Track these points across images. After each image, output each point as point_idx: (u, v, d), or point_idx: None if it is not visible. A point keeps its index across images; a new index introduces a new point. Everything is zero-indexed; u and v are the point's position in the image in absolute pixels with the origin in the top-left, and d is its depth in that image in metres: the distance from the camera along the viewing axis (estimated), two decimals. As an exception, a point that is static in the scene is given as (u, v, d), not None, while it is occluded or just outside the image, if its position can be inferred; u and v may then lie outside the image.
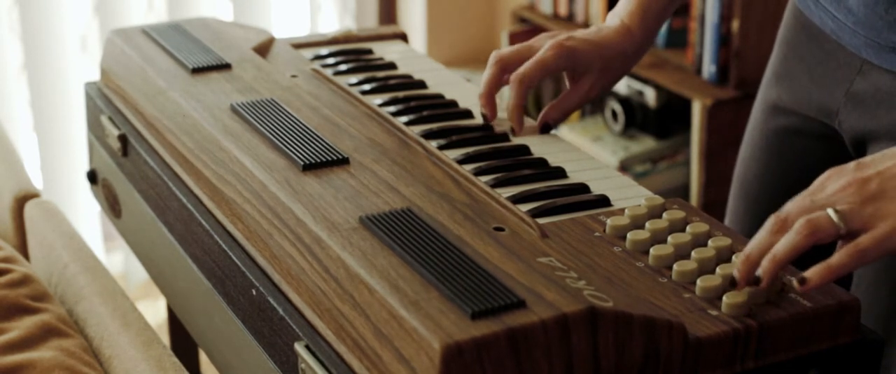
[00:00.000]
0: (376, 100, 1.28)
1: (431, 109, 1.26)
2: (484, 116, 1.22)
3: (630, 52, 1.24)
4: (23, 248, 1.46)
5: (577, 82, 1.24)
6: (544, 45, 1.21)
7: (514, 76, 1.20)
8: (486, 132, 1.21)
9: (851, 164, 0.92)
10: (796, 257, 0.89)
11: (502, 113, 1.24)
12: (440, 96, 1.31)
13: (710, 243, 0.97)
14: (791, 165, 1.27)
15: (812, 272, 0.88)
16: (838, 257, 0.88)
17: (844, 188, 0.90)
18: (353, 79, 1.35)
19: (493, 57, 1.22)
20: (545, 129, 1.23)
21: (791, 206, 0.92)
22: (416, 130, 1.20)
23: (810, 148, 1.24)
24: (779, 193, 1.21)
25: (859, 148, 1.17)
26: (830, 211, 0.89)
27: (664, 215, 1.01)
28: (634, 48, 1.24)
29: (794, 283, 0.89)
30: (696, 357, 0.87)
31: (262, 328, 1.02)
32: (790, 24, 1.26)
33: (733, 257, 0.94)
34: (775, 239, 0.90)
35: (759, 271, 0.89)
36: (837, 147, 1.20)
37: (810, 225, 0.88)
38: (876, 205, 0.89)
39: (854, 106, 1.16)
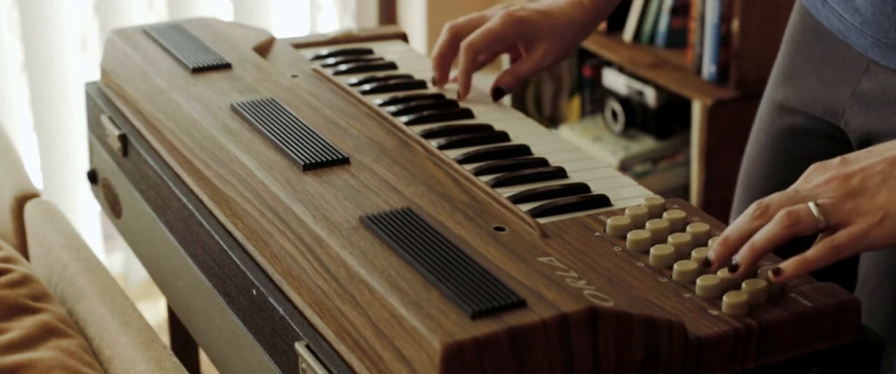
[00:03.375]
0: (376, 100, 1.28)
1: (431, 109, 1.26)
2: (433, 80, 1.31)
3: (581, 22, 1.28)
4: (23, 248, 1.46)
5: (530, 51, 1.29)
6: (495, 15, 1.27)
7: (463, 43, 1.27)
8: (485, 132, 1.21)
9: (836, 159, 0.93)
10: (775, 247, 0.90)
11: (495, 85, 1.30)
12: (440, 96, 1.31)
13: (710, 242, 0.97)
14: (797, 165, 1.26)
15: (787, 264, 0.89)
16: (814, 251, 0.89)
17: (827, 183, 0.91)
18: (354, 79, 1.35)
19: (446, 25, 1.30)
20: (497, 94, 1.30)
21: (775, 195, 0.93)
22: (416, 129, 1.20)
23: (816, 148, 1.24)
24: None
25: (865, 148, 1.17)
26: (812, 204, 0.90)
27: (664, 214, 1.01)
28: (585, 19, 1.28)
29: (769, 273, 0.90)
30: (696, 357, 0.87)
31: (262, 328, 1.02)
32: (797, 23, 1.26)
33: (709, 242, 0.95)
34: (755, 225, 0.91)
35: (737, 258, 0.90)
36: (844, 147, 1.20)
37: (791, 216, 0.89)
38: (855, 201, 0.90)
39: (860, 106, 1.16)
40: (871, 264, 1.15)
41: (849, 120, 1.18)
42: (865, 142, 1.16)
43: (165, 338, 1.78)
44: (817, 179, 0.92)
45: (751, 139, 1.34)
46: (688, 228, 0.99)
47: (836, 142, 1.21)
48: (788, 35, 1.28)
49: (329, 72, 1.37)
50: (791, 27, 1.28)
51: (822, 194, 0.91)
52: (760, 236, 0.90)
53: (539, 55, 1.28)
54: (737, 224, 0.92)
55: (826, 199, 0.90)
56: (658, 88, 2.49)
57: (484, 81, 1.33)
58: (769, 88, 1.31)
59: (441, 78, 1.30)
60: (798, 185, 0.93)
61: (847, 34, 1.15)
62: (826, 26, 1.19)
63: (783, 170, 1.28)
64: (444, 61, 1.29)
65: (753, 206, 0.92)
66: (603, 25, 2.61)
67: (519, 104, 2.83)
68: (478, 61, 1.29)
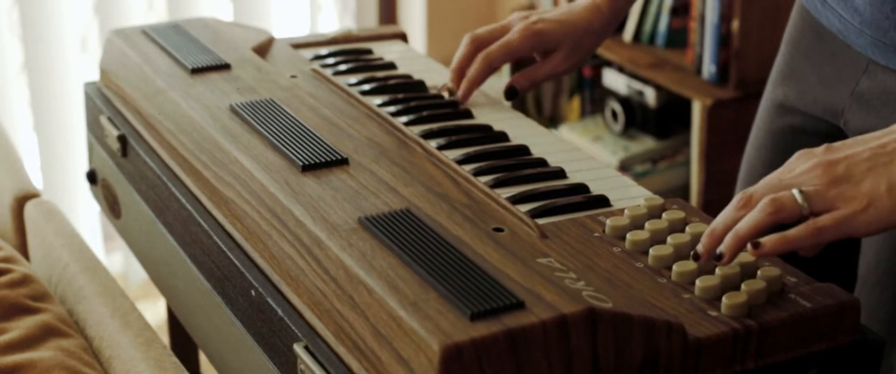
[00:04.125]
0: (376, 100, 1.28)
1: (431, 110, 1.26)
2: (450, 90, 1.30)
3: (598, 28, 1.29)
4: (23, 248, 1.46)
5: (547, 58, 1.30)
6: (514, 28, 1.27)
7: (481, 54, 1.27)
8: (485, 132, 1.21)
9: (821, 147, 0.93)
10: (759, 234, 0.90)
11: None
12: (440, 96, 1.31)
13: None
14: None
15: (767, 239, 0.90)
16: (797, 230, 0.89)
17: (811, 170, 0.91)
18: (353, 79, 1.35)
19: (467, 37, 1.29)
20: (510, 93, 1.29)
21: (759, 184, 0.93)
22: (415, 130, 1.19)
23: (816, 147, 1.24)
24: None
25: None
26: (795, 191, 0.90)
27: (664, 215, 1.01)
28: (602, 24, 1.29)
29: (748, 247, 0.90)
30: (695, 358, 0.87)
31: (261, 329, 1.02)
32: (797, 23, 1.26)
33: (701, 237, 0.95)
34: (740, 215, 0.92)
35: (722, 247, 0.90)
36: None
37: (775, 204, 0.89)
38: (840, 188, 0.90)
39: (860, 106, 1.16)
40: (870, 264, 1.15)
41: (848, 120, 1.18)
42: None
43: (165, 338, 1.78)
44: (801, 166, 0.92)
45: (750, 139, 1.34)
46: (687, 228, 0.99)
47: (835, 141, 1.21)
48: (788, 35, 1.28)
49: (328, 72, 1.37)
50: (791, 27, 1.28)
51: (807, 181, 0.91)
52: (744, 224, 0.90)
53: (556, 61, 1.28)
54: (722, 216, 0.92)
55: (810, 186, 0.90)
56: (658, 88, 2.49)
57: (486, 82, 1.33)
58: (769, 87, 1.31)
59: (458, 88, 1.29)
60: (781, 172, 0.93)
61: (846, 34, 1.15)
62: (826, 26, 1.19)
63: None
64: (463, 73, 1.29)
65: (738, 196, 0.92)
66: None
67: (519, 104, 2.83)
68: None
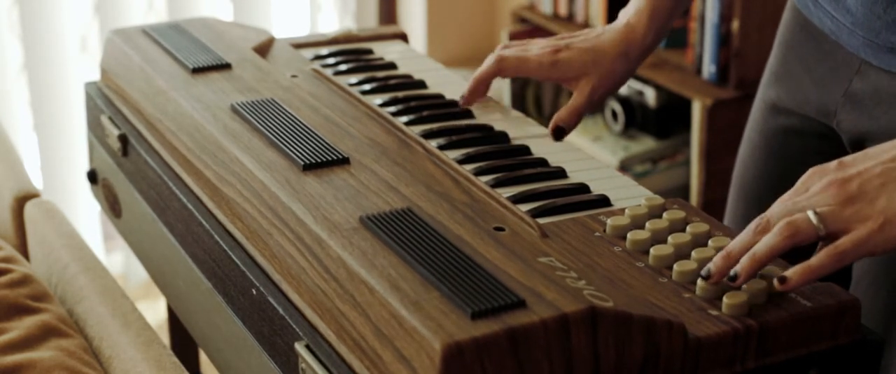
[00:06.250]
0: (376, 100, 1.28)
1: (431, 109, 1.26)
2: (461, 97, 1.27)
3: (633, 54, 1.24)
4: (23, 248, 1.46)
5: (577, 86, 1.25)
6: (538, 46, 1.24)
7: (496, 54, 1.24)
8: (485, 132, 1.21)
9: (833, 163, 0.93)
10: (775, 257, 0.90)
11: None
12: (440, 96, 1.31)
13: (710, 243, 0.97)
14: (790, 166, 1.27)
15: (792, 272, 0.89)
16: (818, 258, 0.89)
17: (825, 189, 0.91)
18: (354, 79, 1.35)
19: (498, 54, 1.25)
20: (559, 134, 1.23)
21: (774, 207, 0.93)
22: (416, 130, 1.20)
23: (809, 148, 1.24)
24: (778, 193, 1.21)
25: (858, 148, 1.17)
26: (810, 213, 0.90)
27: (664, 215, 1.01)
28: (638, 48, 1.24)
29: (775, 282, 0.89)
30: (696, 357, 0.87)
31: (262, 328, 1.02)
32: (789, 24, 1.26)
33: (710, 242, 0.95)
34: (757, 239, 0.91)
35: (738, 269, 0.90)
36: (836, 147, 1.20)
37: (791, 227, 0.89)
38: (855, 207, 0.89)
39: (852, 106, 1.16)
40: (864, 263, 1.15)
41: (841, 120, 1.18)
42: (857, 142, 1.16)
43: (165, 338, 1.78)
44: (815, 185, 0.92)
45: (744, 139, 1.34)
46: (688, 228, 0.99)
47: (829, 142, 1.21)
48: (780, 35, 1.28)
49: (329, 72, 1.37)
50: (783, 27, 1.28)
51: (821, 201, 0.90)
52: (761, 247, 0.90)
53: (588, 90, 1.23)
54: (740, 238, 0.92)
55: (825, 207, 0.90)
56: (658, 88, 2.49)
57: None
58: (761, 88, 1.31)
59: (470, 98, 1.27)
60: (796, 192, 0.93)
61: (839, 34, 1.15)
62: (818, 26, 1.19)
63: (776, 170, 1.29)
64: (481, 85, 1.26)
65: (755, 222, 0.92)
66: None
67: (519, 104, 2.83)
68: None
